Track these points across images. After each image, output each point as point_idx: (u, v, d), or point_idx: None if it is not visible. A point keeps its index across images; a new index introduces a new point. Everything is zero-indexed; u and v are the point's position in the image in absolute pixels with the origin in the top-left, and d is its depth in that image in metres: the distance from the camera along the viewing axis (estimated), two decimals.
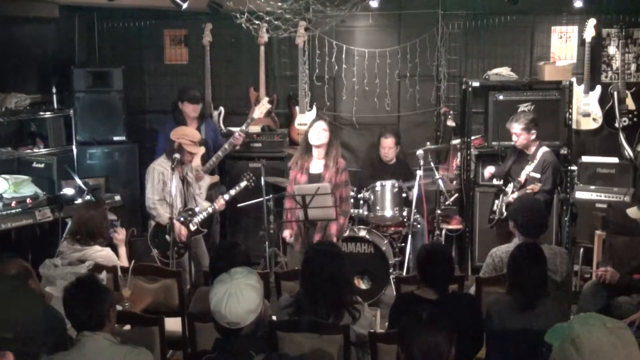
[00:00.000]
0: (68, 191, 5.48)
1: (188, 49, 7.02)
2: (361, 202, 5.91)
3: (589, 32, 6.19)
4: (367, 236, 5.65)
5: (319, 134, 5.10)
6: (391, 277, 5.59)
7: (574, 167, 6.17)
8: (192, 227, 5.20)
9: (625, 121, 6.30)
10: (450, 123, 6.47)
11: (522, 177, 5.50)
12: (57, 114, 6.30)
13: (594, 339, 1.62)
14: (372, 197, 5.83)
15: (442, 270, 3.36)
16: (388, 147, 6.24)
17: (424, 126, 6.75)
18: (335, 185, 5.01)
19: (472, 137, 6.34)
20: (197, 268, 5.21)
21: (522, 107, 6.09)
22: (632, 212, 4.77)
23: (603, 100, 6.35)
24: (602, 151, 6.37)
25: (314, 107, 6.59)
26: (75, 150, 6.37)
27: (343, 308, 3.21)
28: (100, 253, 4.21)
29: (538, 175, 5.43)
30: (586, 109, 6.35)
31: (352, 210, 5.91)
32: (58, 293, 3.27)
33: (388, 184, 5.83)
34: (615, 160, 6.14)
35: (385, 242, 5.81)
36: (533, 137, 5.48)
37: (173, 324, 4.01)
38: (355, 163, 6.86)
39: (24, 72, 6.31)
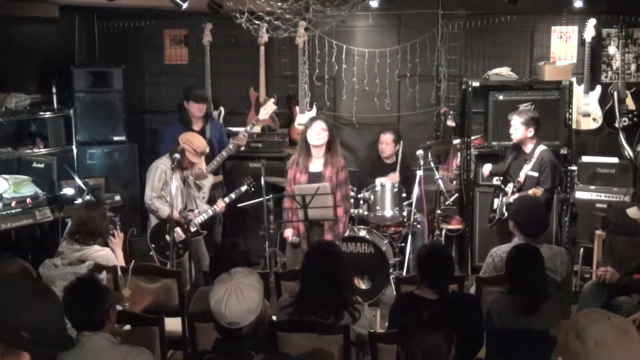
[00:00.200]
0: (68, 191, 5.49)
1: (188, 49, 7.03)
2: (361, 202, 5.90)
3: (589, 32, 6.19)
4: (367, 236, 5.65)
5: (319, 134, 5.11)
6: (391, 277, 5.58)
7: (574, 167, 6.16)
8: (192, 228, 5.20)
9: (625, 121, 6.30)
10: (450, 123, 6.47)
11: (521, 177, 5.49)
12: (57, 114, 6.30)
13: (598, 332, 1.62)
14: (372, 197, 5.83)
15: (442, 270, 3.36)
16: (385, 143, 6.23)
17: (424, 126, 6.75)
18: (336, 184, 5.01)
19: (472, 137, 6.34)
20: (197, 268, 5.21)
21: (522, 107, 6.09)
22: (632, 212, 4.77)
23: (603, 100, 6.35)
24: (602, 151, 6.37)
25: (314, 107, 6.59)
26: (75, 150, 6.37)
27: (343, 308, 3.21)
28: (99, 253, 4.21)
29: (536, 174, 5.43)
30: (586, 109, 6.35)
31: (352, 210, 5.92)
32: (58, 293, 3.26)
33: (388, 184, 5.83)
34: (615, 160, 6.14)
35: (385, 242, 5.80)
36: (530, 134, 5.47)
37: (173, 324, 4.00)
38: (355, 163, 6.86)
39: (24, 72, 6.31)
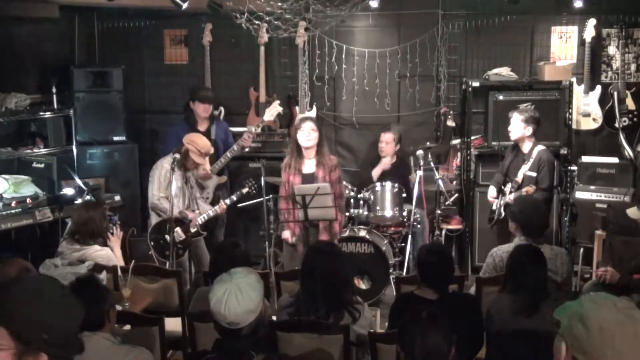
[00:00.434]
0: (68, 191, 5.48)
1: (188, 49, 7.02)
2: (361, 202, 5.90)
3: (589, 32, 6.19)
4: (367, 236, 5.64)
5: (308, 135, 5.12)
6: (391, 277, 5.58)
7: (574, 167, 6.16)
8: (193, 229, 5.20)
9: (625, 121, 6.30)
10: (450, 123, 6.47)
11: (519, 177, 5.50)
12: (57, 114, 6.30)
13: (603, 317, 1.61)
14: (372, 197, 5.83)
15: (442, 270, 3.36)
16: (385, 142, 6.23)
17: (424, 126, 6.75)
18: (330, 184, 5.02)
19: (472, 137, 6.34)
20: (196, 268, 5.21)
21: (524, 106, 6.09)
22: (632, 212, 4.77)
23: (603, 100, 6.35)
24: (602, 151, 6.36)
25: (314, 107, 6.59)
26: (75, 150, 6.37)
27: (343, 308, 3.21)
28: (99, 252, 4.21)
29: (534, 174, 5.44)
30: (586, 109, 6.35)
31: (352, 210, 5.92)
32: None
33: (388, 184, 5.83)
34: (615, 160, 6.13)
35: (385, 242, 5.80)
36: (528, 133, 5.48)
37: (173, 324, 4.01)
38: (355, 163, 6.87)
39: (24, 72, 6.31)
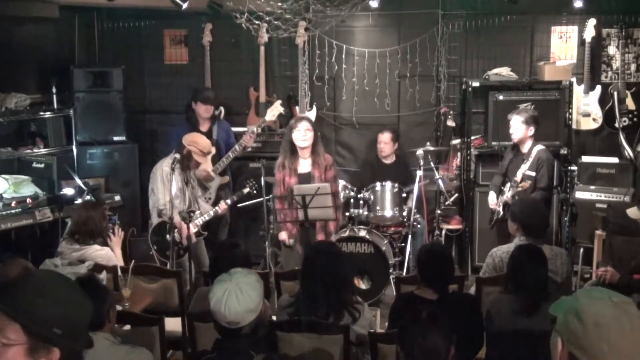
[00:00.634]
0: (68, 191, 5.49)
1: (188, 49, 7.02)
2: (361, 202, 5.90)
3: (589, 32, 6.19)
4: (367, 236, 5.64)
5: (304, 135, 5.12)
6: (391, 277, 5.58)
7: (574, 167, 6.16)
8: (193, 229, 5.20)
9: (625, 121, 6.30)
10: (450, 123, 6.47)
11: (518, 177, 5.50)
12: (57, 114, 6.30)
13: (598, 312, 1.59)
14: (372, 197, 5.83)
15: (442, 270, 3.36)
16: (384, 142, 6.23)
17: (424, 126, 6.74)
18: (326, 182, 5.03)
19: (472, 137, 6.34)
20: (196, 268, 5.21)
21: (522, 107, 6.08)
22: (632, 212, 4.77)
23: (603, 100, 6.35)
24: (602, 151, 6.36)
25: (314, 107, 6.59)
26: (75, 150, 6.37)
27: (343, 308, 3.21)
28: (99, 252, 4.21)
29: (533, 174, 5.44)
30: (586, 109, 6.35)
31: (352, 210, 5.92)
32: None
33: (388, 184, 5.83)
34: (615, 160, 6.13)
35: (385, 242, 5.80)
36: (530, 133, 5.49)
37: (173, 324, 4.00)
38: (355, 163, 6.87)
39: (24, 72, 6.31)
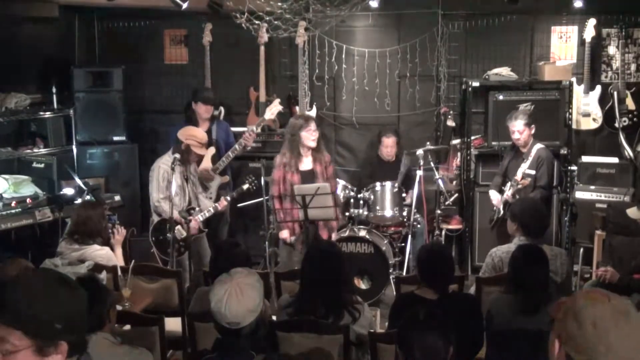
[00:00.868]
0: (68, 191, 5.49)
1: (188, 49, 7.02)
2: (361, 202, 5.90)
3: (589, 32, 6.19)
4: (367, 236, 5.64)
5: (314, 134, 5.13)
6: (391, 277, 5.59)
7: (574, 167, 6.16)
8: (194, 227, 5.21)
9: (625, 121, 6.30)
10: (450, 123, 6.46)
11: (519, 176, 5.52)
12: (57, 114, 6.30)
13: (596, 313, 1.57)
14: (372, 197, 5.83)
15: (442, 270, 3.36)
16: (390, 147, 6.22)
17: (424, 126, 6.74)
18: (327, 179, 5.02)
19: (472, 137, 6.34)
20: (197, 266, 5.22)
21: (522, 107, 6.09)
22: (631, 212, 4.78)
23: (603, 100, 6.35)
24: (602, 151, 6.37)
25: (314, 107, 6.59)
26: (75, 150, 6.37)
27: (343, 308, 3.21)
28: (99, 252, 4.21)
29: (533, 172, 5.47)
30: (586, 109, 6.35)
31: (352, 210, 5.92)
32: None
33: (388, 184, 5.83)
34: (615, 160, 6.14)
35: (385, 242, 5.80)
36: (532, 132, 5.53)
37: (173, 324, 4.01)
38: (355, 163, 6.86)
39: (24, 72, 6.31)
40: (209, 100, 5.96)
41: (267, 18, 5.69)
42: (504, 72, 6.28)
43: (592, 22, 6.17)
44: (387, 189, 5.82)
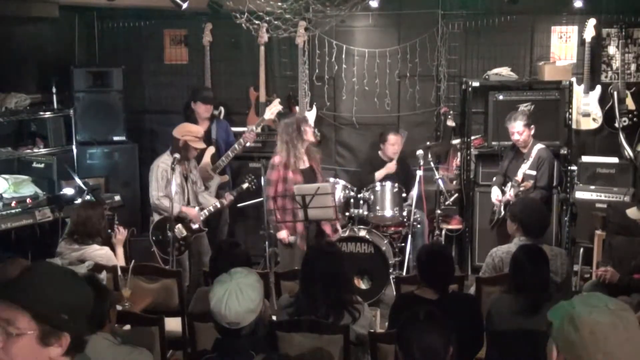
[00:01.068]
0: (68, 191, 5.49)
1: (188, 49, 7.02)
2: (361, 202, 5.90)
3: (589, 32, 6.19)
4: (367, 236, 5.65)
5: (312, 128, 5.16)
6: (391, 277, 5.59)
7: (574, 167, 6.16)
8: (194, 226, 5.21)
9: (625, 121, 6.30)
10: (450, 123, 6.46)
11: (519, 176, 5.52)
12: (57, 114, 6.30)
13: (594, 320, 1.54)
14: (372, 197, 5.83)
15: (442, 270, 3.36)
16: (398, 145, 6.19)
17: (424, 126, 6.74)
18: (321, 176, 5.05)
19: (472, 137, 6.34)
20: (198, 265, 5.22)
21: (522, 107, 6.10)
22: (631, 212, 4.78)
23: (603, 100, 6.35)
24: (602, 151, 6.36)
25: (314, 107, 6.59)
26: (75, 150, 6.38)
27: (343, 308, 3.21)
28: (99, 252, 4.22)
29: (534, 173, 5.47)
30: (586, 109, 6.35)
31: (352, 210, 5.92)
32: None
33: (388, 184, 5.83)
34: (615, 160, 6.14)
35: (385, 242, 5.81)
36: (532, 132, 5.54)
37: (173, 324, 4.01)
38: (355, 163, 6.86)
39: (24, 72, 6.31)
40: (208, 100, 5.97)
41: (267, 18, 5.69)
42: (504, 72, 6.28)
43: (592, 22, 6.17)
44: (387, 189, 5.82)
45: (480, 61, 6.55)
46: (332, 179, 6.00)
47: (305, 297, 3.25)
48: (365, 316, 3.26)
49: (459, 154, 6.56)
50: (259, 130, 6.07)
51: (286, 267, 5.09)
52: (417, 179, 5.69)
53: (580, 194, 5.91)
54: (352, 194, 5.93)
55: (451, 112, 6.54)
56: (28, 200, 5.25)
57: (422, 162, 5.73)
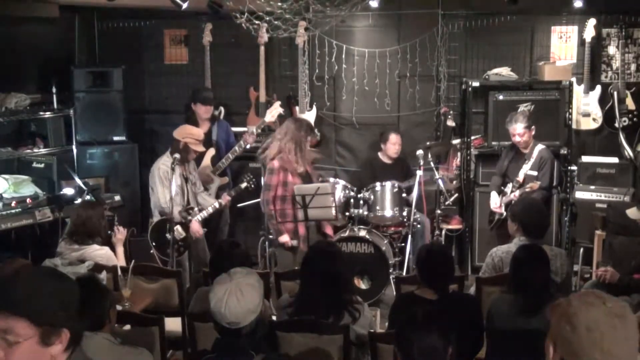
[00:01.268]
0: (68, 191, 5.49)
1: (188, 49, 7.02)
2: (361, 202, 5.90)
3: (589, 32, 6.19)
4: (367, 236, 5.64)
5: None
6: (391, 277, 5.58)
7: (574, 167, 6.16)
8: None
9: (625, 121, 6.30)
10: (450, 123, 6.47)
11: (520, 177, 5.53)
12: (57, 114, 6.30)
13: (591, 317, 1.52)
14: (372, 197, 5.83)
15: (442, 270, 3.36)
16: (399, 144, 6.20)
17: (424, 126, 6.74)
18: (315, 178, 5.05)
19: (472, 137, 6.34)
20: (197, 267, 5.21)
21: (522, 107, 6.10)
22: (631, 212, 4.78)
23: (603, 100, 6.35)
24: (602, 151, 6.37)
25: (314, 107, 6.59)
26: (75, 150, 6.38)
27: (343, 308, 3.21)
28: (99, 252, 4.21)
29: (535, 173, 5.47)
30: (586, 109, 6.35)
31: (352, 210, 5.92)
32: None
33: (388, 184, 5.83)
34: (615, 160, 6.14)
35: (385, 242, 5.80)
36: (533, 133, 5.54)
37: (173, 324, 4.01)
38: (355, 163, 6.86)
39: (24, 72, 6.31)
40: (208, 101, 5.97)
41: (267, 18, 5.68)
42: (504, 72, 6.28)
43: (592, 22, 6.17)
44: (387, 189, 5.82)
45: (480, 61, 6.56)
46: (332, 179, 6.00)
47: (305, 297, 3.25)
48: (365, 316, 3.26)
49: (459, 154, 6.56)
50: (259, 131, 6.07)
51: (282, 269, 5.04)
52: (417, 179, 5.68)
53: (580, 194, 5.91)
54: (352, 194, 5.93)
55: (451, 112, 6.54)
56: (28, 200, 5.25)
57: (422, 162, 5.73)
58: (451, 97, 6.66)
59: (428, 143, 6.03)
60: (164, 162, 5.18)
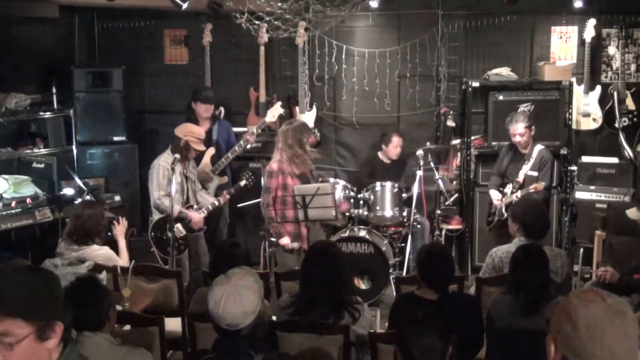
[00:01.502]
0: (68, 191, 5.49)
1: (188, 49, 7.02)
2: (361, 202, 5.90)
3: (589, 32, 6.19)
4: (367, 236, 5.64)
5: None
6: (391, 277, 5.58)
7: (574, 167, 6.16)
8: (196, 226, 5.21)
9: (625, 121, 6.30)
10: (450, 123, 6.47)
11: (521, 177, 5.52)
12: (57, 114, 6.30)
13: (591, 314, 1.52)
14: (372, 197, 5.83)
15: (442, 270, 3.36)
16: (400, 146, 6.20)
17: (424, 126, 6.75)
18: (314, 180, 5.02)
19: (472, 137, 6.34)
20: (196, 265, 5.21)
21: (522, 107, 6.10)
22: (631, 212, 4.77)
23: (603, 101, 6.35)
24: (602, 151, 6.37)
25: (314, 107, 6.59)
26: (75, 151, 6.38)
27: (343, 308, 3.21)
28: (99, 252, 4.21)
29: (536, 174, 5.47)
30: (586, 109, 6.35)
31: (352, 210, 5.92)
32: None
33: (388, 184, 5.83)
34: (615, 160, 6.14)
35: (385, 242, 5.80)
36: (533, 133, 5.54)
37: (173, 324, 4.00)
38: (355, 163, 6.86)
39: (24, 72, 6.31)
40: (208, 100, 5.97)
41: (267, 18, 5.69)
42: (504, 72, 6.28)
43: (592, 22, 6.17)
44: (387, 189, 5.82)
45: (480, 61, 6.56)
46: (332, 179, 6.00)
47: (305, 297, 3.25)
48: (365, 316, 3.26)
49: (459, 154, 6.56)
50: (259, 131, 6.07)
51: (286, 270, 5.03)
52: (417, 179, 5.68)
53: (580, 194, 5.91)
54: (352, 194, 5.93)
55: (451, 112, 6.54)
56: (28, 200, 5.25)
57: (422, 163, 5.73)
58: (451, 97, 6.66)
59: (428, 143, 6.03)
60: (164, 160, 5.17)
